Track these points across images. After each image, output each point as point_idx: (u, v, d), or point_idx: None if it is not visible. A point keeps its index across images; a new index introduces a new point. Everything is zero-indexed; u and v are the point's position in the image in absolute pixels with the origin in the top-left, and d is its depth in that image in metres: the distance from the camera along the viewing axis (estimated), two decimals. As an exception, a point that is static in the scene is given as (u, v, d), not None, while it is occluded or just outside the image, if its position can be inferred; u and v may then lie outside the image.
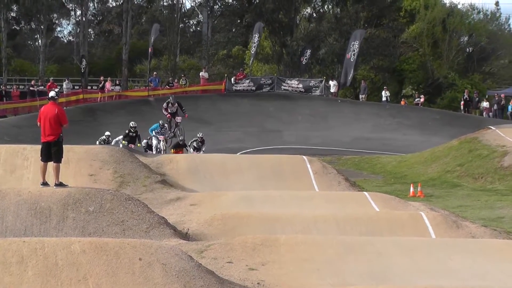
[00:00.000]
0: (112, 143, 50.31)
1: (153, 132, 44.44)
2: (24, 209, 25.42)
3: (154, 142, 44.64)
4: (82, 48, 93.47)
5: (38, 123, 27.58)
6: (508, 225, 33.84)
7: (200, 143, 50.29)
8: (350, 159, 58.43)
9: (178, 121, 51.63)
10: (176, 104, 54.13)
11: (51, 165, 27.30)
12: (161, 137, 43.29)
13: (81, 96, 78.97)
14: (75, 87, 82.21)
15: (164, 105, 53.78)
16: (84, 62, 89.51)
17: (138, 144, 46.66)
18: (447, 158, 55.11)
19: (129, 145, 45.29)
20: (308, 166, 37.33)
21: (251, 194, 34.62)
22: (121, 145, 47.72)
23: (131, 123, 48.66)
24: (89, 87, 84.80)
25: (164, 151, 44.54)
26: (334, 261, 22.38)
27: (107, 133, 51.49)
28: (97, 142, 50.43)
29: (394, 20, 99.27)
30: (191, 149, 50.59)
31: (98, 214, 25.44)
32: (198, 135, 51.32)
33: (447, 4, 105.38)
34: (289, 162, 40.54)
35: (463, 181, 51.62)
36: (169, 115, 52.98)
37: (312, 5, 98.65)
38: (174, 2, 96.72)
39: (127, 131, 47.86)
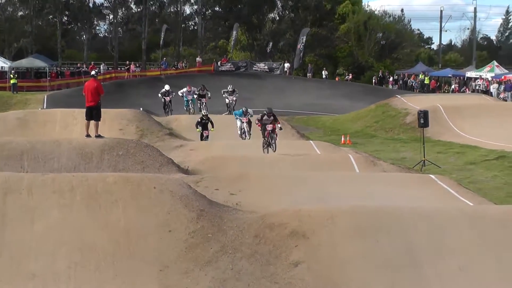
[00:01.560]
0: (180, 94, 48.02)
1: (237, 115, 39.08)
2: (73, 153, 25.38)
3: (238, 123, 38.83)
4: (114, 41, 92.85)
5: (83, 93, 27.93)
6: (409, 163, 34.73)
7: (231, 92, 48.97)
8: (301, 118, 58.75)
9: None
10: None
11: (92, 122, 27.45)
12: (244, 119, 37.66)
13: (113, 75, 78.94)
14: (109, 68, 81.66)
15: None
16: (115, 52, 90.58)
17: (212, 129, 39.50)
18: (367, 117, 55.61)
19: (204, 131, 38.79)
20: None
21: (232, 143, 36.07)
22: (192, 107, 47.58)
23: (202, 112, 43.10)
24: (118, 68, 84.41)
25: (248, 132, 38.36)
26: (289, 189, 22.41)
27: (167, 86, 48.25)
28: (159, 95, 48.27)
29: (331, 22, 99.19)
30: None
31: (125, 157, 25.44)
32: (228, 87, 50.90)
33: (368, 10, 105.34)
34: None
35: (378, 133, 52.07)
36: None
37: (275, 11, 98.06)
38: (178, 9, 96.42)
39: (199, 119, 39.80)
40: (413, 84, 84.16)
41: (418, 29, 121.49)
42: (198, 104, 48.06)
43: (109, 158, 24.91)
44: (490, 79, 76.50)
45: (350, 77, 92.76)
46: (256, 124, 33.86)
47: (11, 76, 68.71)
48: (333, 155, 32.40)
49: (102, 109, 28.38)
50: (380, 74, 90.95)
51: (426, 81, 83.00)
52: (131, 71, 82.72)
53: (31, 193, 16.87)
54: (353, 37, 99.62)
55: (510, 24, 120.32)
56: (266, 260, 15.27)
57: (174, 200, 16.84)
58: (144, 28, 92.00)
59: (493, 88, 72.07)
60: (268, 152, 32.59)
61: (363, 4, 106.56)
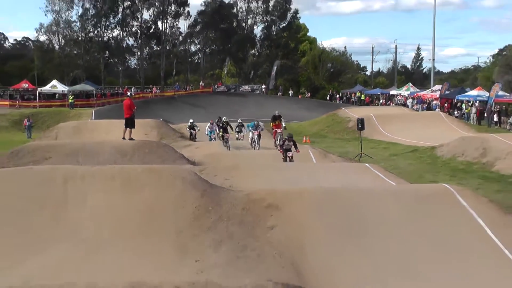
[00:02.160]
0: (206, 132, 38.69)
1: (250, 128, 35.23)
2: (113, 151, 25.46)
3: (250, 135, 35.14)
4: (141, 71, 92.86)
5: (123, 109, 28.60)
6: (351, 155, 34.49)
7: (241, 127, 38.88)
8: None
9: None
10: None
11: (128, 129, 27.92)
12: (255, 132, 34.06)
13: (141, 95, 78.42)
14: (138, 90, 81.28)
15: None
16: (141, 78, 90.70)
17: (232, 132, 36.75)
18: (321, 123, 55.92)
19: (225, 134, 35.37)
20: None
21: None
22: (216, 136, 38.08)
23: (223, 118, 37.85)
24: (144, 90, 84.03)
25: (258, 143, 34.41)
26: (269, 176, 22.40)
27: (191, 120, 40.15)
28: (187, 128, 40.03)
29: (295, 56, 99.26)
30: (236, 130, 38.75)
31: (150, 153, 25.51)
32: (238, 121, 39.92)
33: (321, 47, 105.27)
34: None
35: (329, 134, 52.24)
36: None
37: (255, 49, 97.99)
38: (186, 48, 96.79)
39: (220, 124, 37.03)
40: (353, 99, 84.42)
41: (357, 61, 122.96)
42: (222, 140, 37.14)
43: (138, 155, 25.02)
44: (406, 95, 77.11)
45: (309, 95, 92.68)
46: (278, 150, 28.75)
47: (70, 97, 69.35)
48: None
49: (136, 120, 28.81)
50: (330, 93, 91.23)
51: (362, 97, 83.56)
52: (153, 92, 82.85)
53: (83, 180, 16.93)
54: (310, 66, 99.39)
55: (420, 57, 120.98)
56: (251, 225, 15.35)
57: (184, 183, 16.88)
58: (162, 61, 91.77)
59: (408, 102, 72.62)
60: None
61: (317, 43, 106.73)
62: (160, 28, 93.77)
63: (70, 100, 68.43)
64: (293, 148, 27.41)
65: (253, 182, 20.36)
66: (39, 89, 73.22)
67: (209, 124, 38.42)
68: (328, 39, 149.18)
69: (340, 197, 17.22)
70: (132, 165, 19.39)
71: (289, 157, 27.14)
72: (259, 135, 34.50)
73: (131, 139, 27.82)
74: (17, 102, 70.42)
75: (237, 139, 37.97)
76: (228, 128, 36.39)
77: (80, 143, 29.00)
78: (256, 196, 16.60)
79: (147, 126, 37.48)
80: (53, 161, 23.02)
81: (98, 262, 13.75)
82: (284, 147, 27.60)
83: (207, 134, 37.81)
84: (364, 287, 12.88)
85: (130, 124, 27.98)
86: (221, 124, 36.81)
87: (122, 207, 15.96)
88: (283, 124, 35.25)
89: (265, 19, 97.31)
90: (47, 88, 73.56)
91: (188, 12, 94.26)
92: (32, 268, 13.36)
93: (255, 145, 34.54)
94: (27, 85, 74.28)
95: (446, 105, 65.15)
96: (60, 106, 67.87)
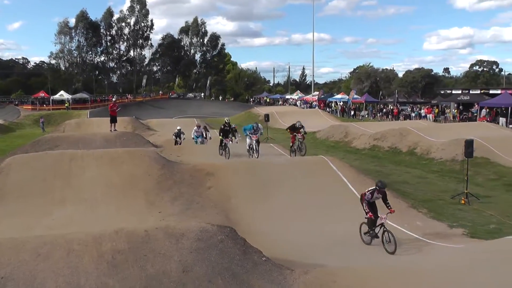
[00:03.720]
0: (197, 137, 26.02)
1: (247, 131, 21.34)
2: (102, 139, 24.72)
3: (248, 140, 21.03)
4: (120, 84, 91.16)
5: (109, 109, 27.66)
6: (261, 139, 33.32)
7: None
8: (211, 119, 57.49)
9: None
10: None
11: (113, 124, 27.15)
12: (254, 137, 20.60)
13: (120, 101, 75.52)
14: (118, 97, 78.23)
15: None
16: (120, 89, 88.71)
17: (234, 138, 22.46)
18: (241, 118, 54.51)
19: (224, 138, 21.91)
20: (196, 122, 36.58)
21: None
22: (201, 140, 25.72)
23: (226, 119, 23.79)
24: (123, 97, 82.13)
25: (257, 150, 20.86)
26: (207, 153, 22.15)
27: (178, 127, 27.21)
28: (173, 135, 26.70)
29: (223, 73, 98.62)
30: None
31: (127, 140, 24.78)
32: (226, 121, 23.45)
33: (240, 67, 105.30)
34: (186, 122, 39.95)
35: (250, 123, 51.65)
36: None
37: (196, 69, 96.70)
38: (150, 68, 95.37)
39: (222, 126, 22.90)
40: (262, 102, 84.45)
41: (264, 76, 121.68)
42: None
43: (120, 141, 24.28)
44: (296, 98, 77.52)
45: (233, 99, 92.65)
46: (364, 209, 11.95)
47: (66, 103, 69.17)
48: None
49: (117, 117, 28.01)
50: (247, 97, 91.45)
51: (268, 100, 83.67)
52: (129, 98, 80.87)
53: (83, 159, 16.55)
54: (233, 80, 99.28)
55: (304, 73, 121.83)
56: (196, 186, 15.27)
57: (150, 160, 16.62)
58: (134, 77, 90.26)
59: (298, 103, 72.98)
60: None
61: (238, 65, 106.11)
62: (132, 55, 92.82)
63: (66, 105, 67.95)
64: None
65: (196, 158, 20.24)
66: (51, 97, 72.07)
67: (195, 128, 26.27)
68: (245, 62, 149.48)
69: (255, 166, 17.38)
70: (115, 149, 18.91)
71: (383, 218, 11.56)
72: (257, 141, 21.19)
73: (115, 130, 27.17)
74: (37, 106, 68.80)
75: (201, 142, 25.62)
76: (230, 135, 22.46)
77: (80, 134, 28.21)
78: (198, 167, 16.54)
79: (125, 122, 36.46)
80: (62, 147, 22.29)
81: (94, 214, 13.53)
82: (371, 200, 11.94)
83: (193, 138, 25.61)
84: (262, 224, 12.96)
85: (114, 120, 27.33)
86: (223, 127, 22.74)
87: (109, 177, 15.65)
88: (304, 131, 22.18)
89: (202, 49, 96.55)
90: (57, 96, 72.41)
91: (151, 44, 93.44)
92: (51, 220, 13.11)
93: (253, 153, 20.95)
94: (43, 94, 73.01)
95: (322, 105, 66.07)
96: (65, 109, 66.23)
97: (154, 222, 11.63)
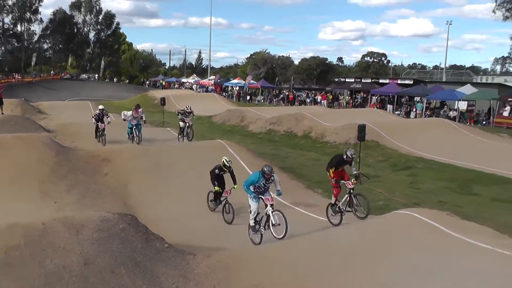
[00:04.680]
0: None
1: (251, 189, 10.65)
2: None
3: (253, 205, 10.44)
4: (4, 62, 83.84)
5: None
6: (157, 123, 31.65)
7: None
8: (106, 102, 55.40)
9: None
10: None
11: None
12: (269, 200, 10.62)
13: (5, 80, 70.42)
14: (2, 76, 72.96)
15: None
16: (6, 68, 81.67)
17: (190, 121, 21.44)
18: (137, 101, 52.54)
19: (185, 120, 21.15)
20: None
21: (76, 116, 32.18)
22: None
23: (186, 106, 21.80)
24: (10, 77, 75.85)
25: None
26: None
27: (101, 106, 22.65)
28: (92, 119, 21.56)
29: (118, 54, 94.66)
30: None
31: (16, 125, 23.02)
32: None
33: (135, 49, 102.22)
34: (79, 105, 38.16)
35: (144, 107, 50.03)
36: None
37: (90, 48, 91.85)
38: (41, 45, 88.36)
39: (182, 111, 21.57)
40: (158, 85, 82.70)
41: (159, 59, 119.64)
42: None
43: (7, 126, 22.51)
44: (192, 82, 76.16)
45: (128, 81, 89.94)
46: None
47: None
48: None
49: (3, 99, 26.01)
50: (142, 80, 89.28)
51: (164, 83, 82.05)
52: (16, 78, 74.98)
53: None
54: (128, 61, 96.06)
55: (201, 57, 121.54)
56: (92, 173, 14.82)
57: (43, 146, 15.75)
58: (23, 55, 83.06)
59: (194, 87, 72.30)
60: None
61: (133, 46, 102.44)
62: (19, 30, 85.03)
63: None
64: None
65: (90, 144, 19.60)
66: None
67: (130, 112, 20.42)
68: (140, 44, 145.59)
69: (152, 151, 17.24)
70: (3, 134, 17.51)
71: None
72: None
73: (1, 114, 25.30)
74: None
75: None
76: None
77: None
78: (94, 153, 16.08)
79: (12, 105, 33.70)
80: None
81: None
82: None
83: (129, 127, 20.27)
84: (161, 209, 12.87)
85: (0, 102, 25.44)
86: (182, 111, 21.42)
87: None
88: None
89: (96, 28, 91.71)
90: None
91: (41, 18, 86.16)
92: None
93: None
94: None
95: (218, 89, 66.13)
96: None
97: (51, 213, 11.02)
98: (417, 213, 11.08)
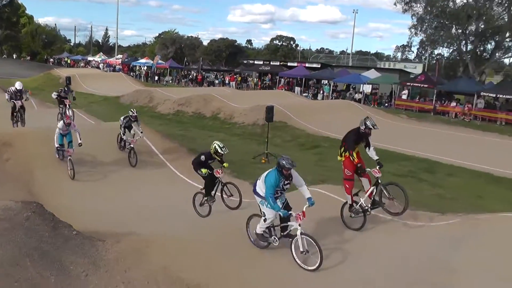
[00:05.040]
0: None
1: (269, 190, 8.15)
2: None
3: (269, 214, 8.18)
4: None
5: None
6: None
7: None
8: (7, 82, 51.47)
9: None
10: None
11: None
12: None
13: None
14: None
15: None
16: None
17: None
18: (40, 80, 49.37)
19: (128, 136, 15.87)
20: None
21: None
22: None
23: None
24: None
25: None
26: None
27: (18, 84, 18.22)
28: (6, 96, 18.31)
29: (17, 28, 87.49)
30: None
31: None
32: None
33: (37, 23, 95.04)
34: None
35: (46, 89, 46.88)
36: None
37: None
38: None
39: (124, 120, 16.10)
40: (63, 63, 78.05)
41: (64, 35, 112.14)
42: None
43: None
44: (99, 61, 72.83)
45: (29, 58, 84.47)
46: None
47: None
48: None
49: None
50: (46, 57, 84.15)
51: (68, 61, 77.43)
52: None
53: None
54: (29, 36, 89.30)
55: (108, 35, 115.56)
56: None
57: None
58: None
59: (101, 66, 69.61)
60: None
61: (34, 19, 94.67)
62: None
63: None
64: None
65: None
66: None
67: (60, 122, 14.51)
68: (42, 17, 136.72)
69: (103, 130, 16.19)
70: None
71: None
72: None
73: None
74: None
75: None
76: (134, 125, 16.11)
77: None
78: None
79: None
80: None
81: None
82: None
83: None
84: (68, 196, 12.48)
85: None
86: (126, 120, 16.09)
87: None
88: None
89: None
90: None
91: None
92: None
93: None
94: None
95: (125, 68, 63.98)
96: None
97: None
98: (324, 189, 11.66)
